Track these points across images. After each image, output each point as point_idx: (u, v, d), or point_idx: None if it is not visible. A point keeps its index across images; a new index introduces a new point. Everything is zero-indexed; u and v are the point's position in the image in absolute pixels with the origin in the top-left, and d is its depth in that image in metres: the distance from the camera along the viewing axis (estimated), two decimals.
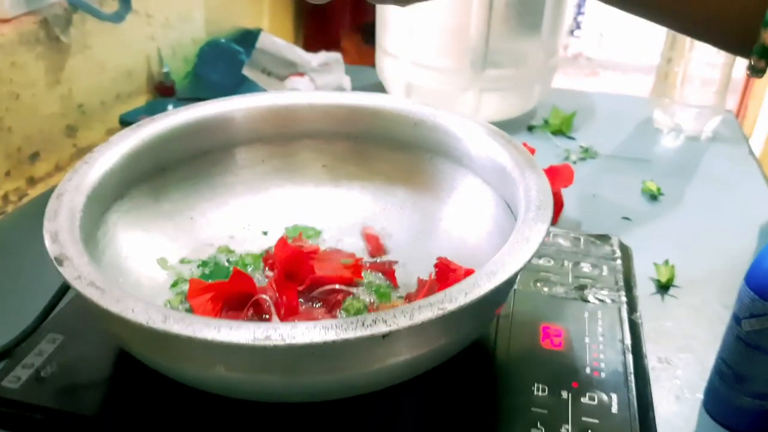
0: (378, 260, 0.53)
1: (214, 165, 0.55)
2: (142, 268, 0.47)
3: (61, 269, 0.35)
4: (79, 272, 0.35)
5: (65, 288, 0.51)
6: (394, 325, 0.32)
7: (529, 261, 0.37)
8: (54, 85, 0.75)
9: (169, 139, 0.51)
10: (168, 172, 0.52)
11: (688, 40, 0.82)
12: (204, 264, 0.51)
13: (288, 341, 0.31)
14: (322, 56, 0.97)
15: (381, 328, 0.32)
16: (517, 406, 0.41)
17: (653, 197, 0.74)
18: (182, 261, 0.51)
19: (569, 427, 0.39)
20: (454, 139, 0.53)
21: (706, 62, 0.82)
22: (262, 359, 0.33)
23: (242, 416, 0.39)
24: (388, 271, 0.50)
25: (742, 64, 0.44)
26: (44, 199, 0.71)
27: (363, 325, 0.32)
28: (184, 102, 0.78)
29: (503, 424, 0.39)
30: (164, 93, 0.92)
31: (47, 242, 0.37)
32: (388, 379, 0.38)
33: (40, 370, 0.41)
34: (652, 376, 0.45)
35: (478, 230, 0.51)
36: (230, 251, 0.53)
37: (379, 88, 0.96)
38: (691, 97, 0.85)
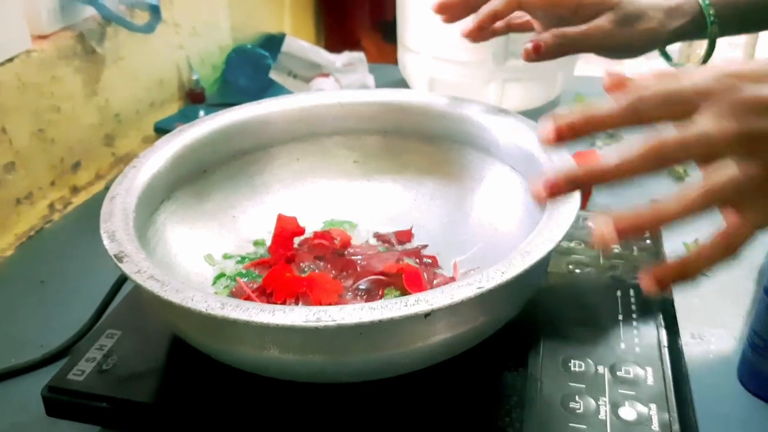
0: (409, 246, 0.55)
1: (252, 165, 0.57)
2: (190, 265, 0.49)
3: (121, 265, 0.37)
4: (139, 267, 0.37)
5: (117, 287, 0.53)
6: (436, 304, 0.34)
7: (562, 239, 0.39)
8: (91, 97, 0.78)
9: (210, 142, 0.54)
10: (209, 173, 0.54)
11: None
12: (242, 259, 0.53)
13: (338, 321, 0.33)
14: (346, 56, 0.99)
15: (423, 307, 0.34)
16: (554, 381, 0.42)
17: (679, 179, 0.75)
18: (225, 256, 0.53)
19: (606, 399, 0.41)
20: (480, 129, 0.55)
21: (727, 42, 0.82)
22: (313, 340, 0.35)
23: (291, 399, 0.41)
24: (427, 257, 0.52)
25: (765, 42, 0.48)
26: (88, 207, 0.75)
27: (406, 305, 0.34)
28: (214, 108, 0.81)
29: (542, 398, 0.41)
30: (195, 100, 0.95)
31: (106, 241, 0.40)
32: (428, 358, 0.40)
33: (102, 363, 0.44)
34: (686, 351, 0.46)
35: (509, 217, 0.52)
36: (265, 244, 0.55)
37: (401, 84, 0.98)
38: None
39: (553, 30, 0.53)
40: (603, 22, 0.52)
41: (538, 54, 0.52)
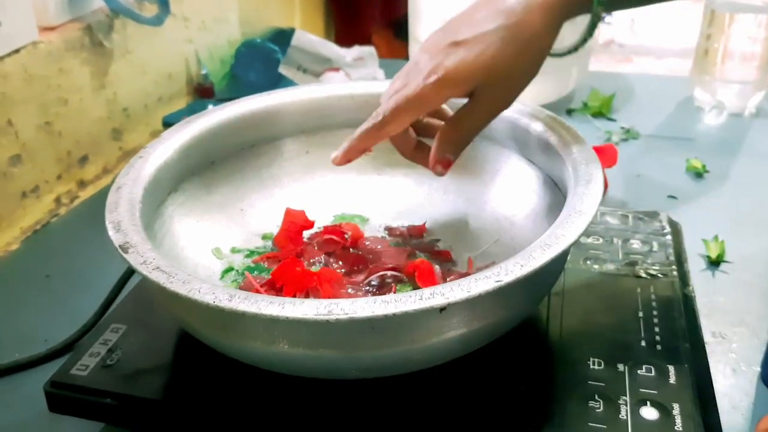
0: (422, 241, 0.53)
1: (260, 157, 0.56)
2: (198, 258, 0.48)
3: (126, 256, 0.36)
4: (144, 258, 0.36)
5: (123, 281, 0.52)
6: (452, 297, 0.33)
7: (583, 233, 0.37)
8: (99, 90, 0.77)
9: (218, 134, 0.52)
10: (217, 165, 0.53)
11: (727, 15, 0.81)
12: (251, 254, 0.52)
13: (350, 315, 0.31)
14: (356, 51, 0.98)
15: (438, 301, 0.33)
16: (573, 379, 0.41)
17: (698, 175, 0.74)
18: (233, 250, 0.52)
19: (627, 398, 0.39)
20: (495, 120, 0.53)
21: (747, 36, 0.81)
22: (324, 334, 0.34)
23: (302, 395, 0.40)
24: (442, 252, 0.51)
25: None
26: (95, 201, 0.74)
27: (421, 298, 0.33)
28: (223, 103, 0.80)
29: (560, 397, 0.39)
30: (204, 94, 0.94)
31: (111, 232, 0.38)
32: (444, 354, 0.38)
33: (106, 358, 0.43)
34: (707, 350, 0.44)
35: (525, 210, 0.51)
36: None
37: None
38: (732, 73, 0.84)
39: (445, 132, 0.46)
40: (484, 99, 0.44)
41: (452, 161, 0.47)
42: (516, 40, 0.43)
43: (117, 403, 0.40)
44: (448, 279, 0.49)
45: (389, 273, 0.48)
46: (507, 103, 0.46)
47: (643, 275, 0.49)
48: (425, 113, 0.48)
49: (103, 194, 0.76)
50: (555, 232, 0.37)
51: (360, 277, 0.48)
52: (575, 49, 0.49)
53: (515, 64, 0.44)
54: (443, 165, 0.47)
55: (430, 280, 0.47)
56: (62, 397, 0.41)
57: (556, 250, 0.36)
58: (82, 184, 0.76)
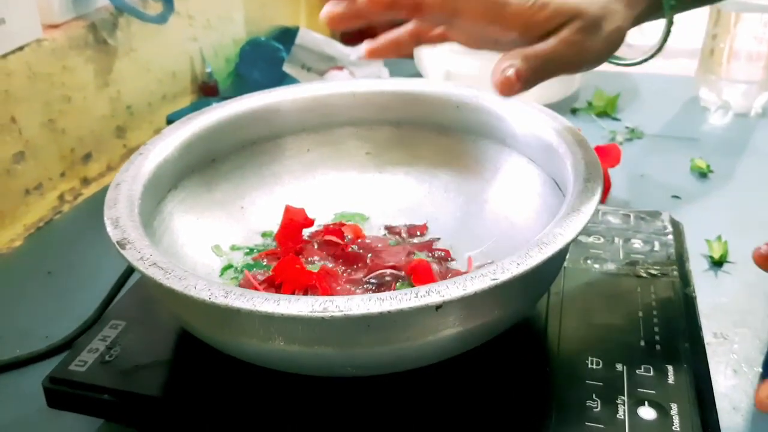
0: (422, 239, 0.53)
1: (261, 155, 0.56)
2: (197, 255, 0.48)
3: (123, 252, 0.36)
4: (142, 254, 0.36)
5: (124, 278, 0.53)
6: (447, 295, 0.33)
7: (581, 231, 0.37)
8: (103, 88, 0.77)
9: (218, 131, 0.53)
10: (218, 162, 0.53)
11: (733, 14, 0.81)
12: (251, 251, 0.52)
13: (345, 312, 0.31)
14: (361, 49, 0.98)
15: (434, 299, 0.32)
16: (571, 379, 0.40)
17: (703, 175, 0.73)
18: (233, 248, 0.52)
19: (625, 398, 0.39)
20: (497, 119, 0.53)
21: (753, 36, 0.80)
22: (320, 331, 0.34)
23: (298, 392, 0.40)
24: (440, 250, 0.51)
25: None
26: (98, 198, 0.73)
27: (417, 296, 0.33)
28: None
29: (557, 396, 0.39)
30: (208, 93, 0.94)
31: (109, 228, 0.39)
32: (440, 353, 0.38)
33: (105, 354, 0.43)
34: (708, 351, 0.44)
35: (525, 209, 0.51)
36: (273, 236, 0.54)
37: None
38: (738, 73, 0.83)
39: (521, 51, 0.41)
40: (570, 34, 0.41)
41: (521, 83, 0.41)
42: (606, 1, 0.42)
43: (115, 399, 0.40)
44: (447, 278, 0.49)
45: (388, 271, 0.48)
46: (591, 52, 0.42)
47: (644, 275, 0.49)
48: (492, 22, 0.42)
49: (106, 192, 0.76)
50: (553, 230, 0.37)
51: (359, 275, 0.48)
52: (651, 57, 0.48)
53: (604, 15, 0.42)
54: (518, 77, 0.40)
55: (428, 281, 0.46)
56: (61, 393, 0.41)
57: (553, 248, 0.35)
58: (86, 181, 0.76)
